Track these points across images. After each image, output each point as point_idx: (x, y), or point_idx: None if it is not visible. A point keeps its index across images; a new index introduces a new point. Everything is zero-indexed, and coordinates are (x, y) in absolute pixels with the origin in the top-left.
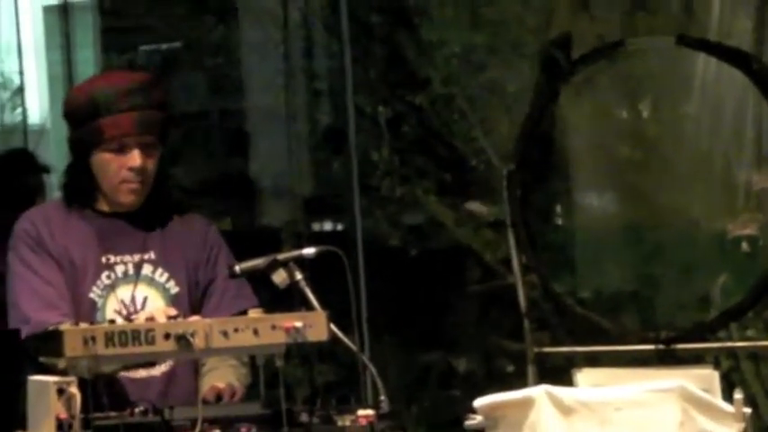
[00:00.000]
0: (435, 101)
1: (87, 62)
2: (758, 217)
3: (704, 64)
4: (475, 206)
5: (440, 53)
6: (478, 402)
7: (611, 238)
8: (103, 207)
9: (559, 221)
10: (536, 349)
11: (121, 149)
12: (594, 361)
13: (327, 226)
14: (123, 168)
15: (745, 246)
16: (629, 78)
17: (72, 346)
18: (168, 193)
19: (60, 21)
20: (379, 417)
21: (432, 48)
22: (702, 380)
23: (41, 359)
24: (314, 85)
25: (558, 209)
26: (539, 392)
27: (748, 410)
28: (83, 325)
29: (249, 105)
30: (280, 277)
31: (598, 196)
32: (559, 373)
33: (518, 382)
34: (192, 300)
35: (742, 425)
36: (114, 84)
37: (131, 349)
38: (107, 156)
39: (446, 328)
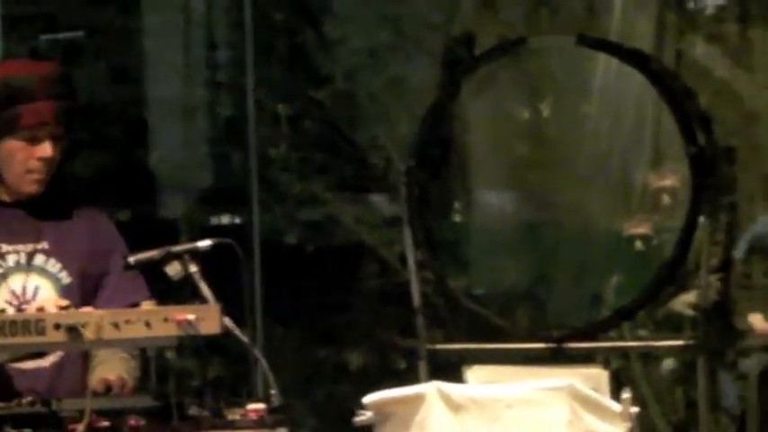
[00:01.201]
0: (337, 97)
1: None
2: (653, 217)
3: (605, 64)
4: None
5: (342, 49)
6: (368, 398)
7: (507, 237)
8: (1, 196)
9: (457, 219)
10: (428, 346)
11: (32, 139)
12: (487, 358)
13: (225, 219)
14: (32, 158)
15: (639, 245)
16: (530, 77)
17: None
18: (66, 183)
19: None
20: (270, 410)
21: (334, 44)
22: (592, 379)
23: None
24: (215, 78)
25: (457, 206)
26: (429, 389)
27: (635, 410)
28: None
29: (150, 96)
30: (174, 269)
31: (496, 194)
32: (452, 370)
33: (410, 378)
34: (84, 291)
35: (629, 424)
36: (30, 71)
37: (21, 339)
38: (16, 144)
39: (340, 324)
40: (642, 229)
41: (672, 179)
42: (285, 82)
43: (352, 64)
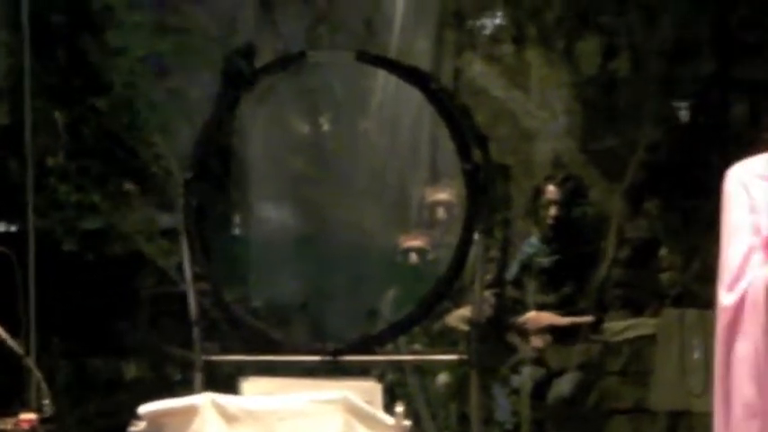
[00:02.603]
0: (116, 105)
1: None
2: (429, 231)
3: (383, 81)
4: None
5: (123, 58)
6: (143, 409)
7: (285, 250)
8: None
9: (236, 231)
10: (204, 357)
11: None
12: (266, 371)
13: (1, 228)
14: None
15: (413, 258)
16: (310, 93)
17: None
18: None
19: None
20: (42, 420)
21: (115, 52)
22: (366, 392)
23: None
24: None
25: (236, 218)
26: (203, 400)
27: (408, 423)
28: None
29: None
30: None
31: (275, 208)
32: (230, 382)
33: (187, 389)
34: None
35: None
36: None
37: None
38: None
39: (117, 334)
40: (417, 243)
41: (447, 194)
42: (64, 89)
43: (133, 72)
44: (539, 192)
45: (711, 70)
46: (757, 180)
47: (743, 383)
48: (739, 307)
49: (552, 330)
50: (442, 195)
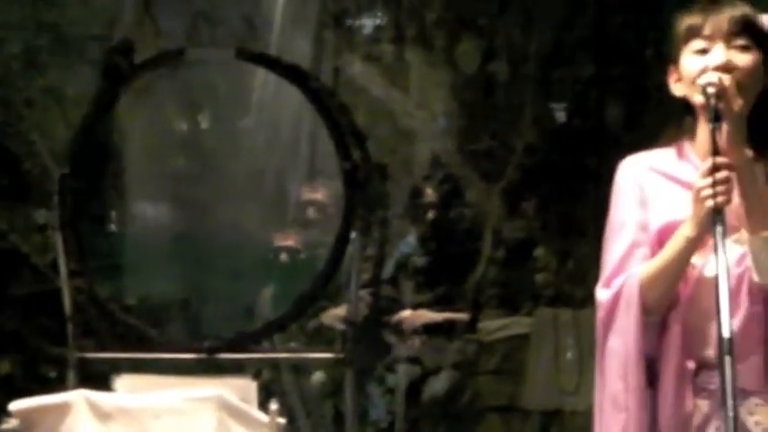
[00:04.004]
0: None
1: None
2: (304, 230)
3: (263, 80)
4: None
5: None
6: (14, 406)
7: (162, 247)
8: None
9: (112, 228)
10: (78, 354)
11: None
12: (140, 368)
13: None
14: None
15: (284, 257)
16: (189, 90)
17: None
18: None
19: None
20: None
21: None
22: (241, 389)
23: None
24: None
25: (113, 215)
26: (76, 397)
27: (282, 421)
28: None
29: None
30: None
31: (152, 205)
32: (104, 380)
33: (61, 387)
34: None
35: None
36: None
37: None
38: None
39: None
40: (289, 242)
41: (321, 193)
42: None
43: (9, 68)
44: (417, 192)
45: (589, 73)
46: (651, 174)
47: (612, 379)
48: (614, 302)
49: (428, 329)
50: (315, 195)
